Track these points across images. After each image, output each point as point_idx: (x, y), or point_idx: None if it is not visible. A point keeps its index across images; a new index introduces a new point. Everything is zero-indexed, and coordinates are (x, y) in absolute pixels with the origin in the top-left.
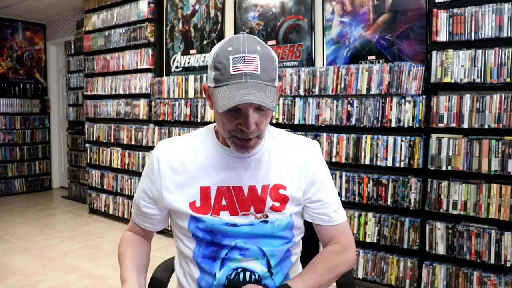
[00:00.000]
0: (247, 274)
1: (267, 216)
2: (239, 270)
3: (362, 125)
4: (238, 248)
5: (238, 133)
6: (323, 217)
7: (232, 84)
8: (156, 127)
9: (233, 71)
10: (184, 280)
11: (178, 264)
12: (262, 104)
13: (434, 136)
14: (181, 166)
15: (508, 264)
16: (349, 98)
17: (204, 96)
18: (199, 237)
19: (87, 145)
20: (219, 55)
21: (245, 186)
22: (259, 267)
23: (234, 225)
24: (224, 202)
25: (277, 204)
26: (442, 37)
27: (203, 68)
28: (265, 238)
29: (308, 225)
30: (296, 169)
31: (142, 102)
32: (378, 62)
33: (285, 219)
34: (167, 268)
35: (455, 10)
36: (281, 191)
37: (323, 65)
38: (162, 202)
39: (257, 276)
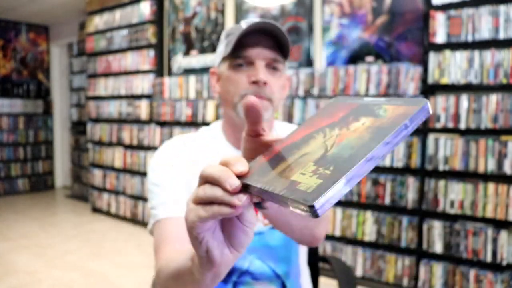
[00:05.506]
0: None
1: None
2: None
3: None
4: (250, 272)
5: (250, 91)
6: None
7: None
8: (158, 128)
9: (246, 25)
10: None
11: None
12: (275, 31)
13: (431, 136)
14: (191, 165)
15: (504, 263)
16: None
17: (203, 96)
18: None
19: (89, 145)
20: (230, 28)
21: None
22: None
23: None
24: None
25: None
26: (440, 38)
27: (204, 69)
28: (277, 249)
29: None
30: None
31: (144, 103)
32: (377, 63)
33: None
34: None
35: (452, 12)
36: None
37: (322, 66)
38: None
39: None
